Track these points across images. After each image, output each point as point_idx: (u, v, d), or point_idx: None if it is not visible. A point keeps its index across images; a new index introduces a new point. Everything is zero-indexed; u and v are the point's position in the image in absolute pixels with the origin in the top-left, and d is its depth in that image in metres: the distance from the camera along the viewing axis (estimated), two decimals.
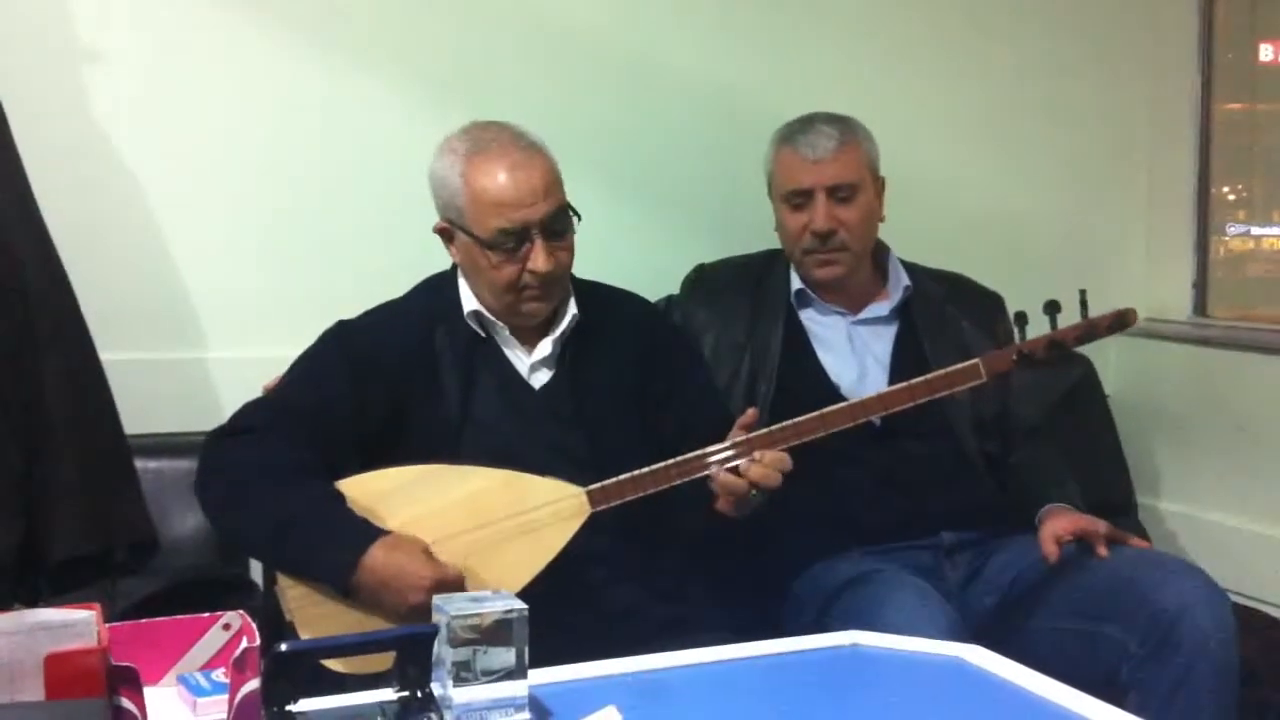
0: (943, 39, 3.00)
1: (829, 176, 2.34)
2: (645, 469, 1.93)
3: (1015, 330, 2.07)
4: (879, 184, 2.43)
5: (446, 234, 2.09)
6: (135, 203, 2.46)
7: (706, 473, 1.92)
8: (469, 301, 2.09)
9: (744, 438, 1.93)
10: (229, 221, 2.53)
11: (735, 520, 1.94)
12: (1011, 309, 2.22)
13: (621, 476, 1.93)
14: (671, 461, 1.94)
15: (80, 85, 2.41)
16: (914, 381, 2.07)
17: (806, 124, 2.40)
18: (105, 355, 2.16)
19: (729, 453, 1.92)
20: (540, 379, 2.09)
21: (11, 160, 2.09)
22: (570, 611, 1.76)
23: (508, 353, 2.09)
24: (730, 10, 2.83)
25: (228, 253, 2.53)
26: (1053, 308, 2.04)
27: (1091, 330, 2.09)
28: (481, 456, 1.97)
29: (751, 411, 1.95)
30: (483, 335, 2.09)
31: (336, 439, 1.99)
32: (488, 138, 2.03)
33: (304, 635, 1.88)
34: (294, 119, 2.55)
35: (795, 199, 2.37)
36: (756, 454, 1.90)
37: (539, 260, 1.99)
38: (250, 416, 2.03)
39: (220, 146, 2.51)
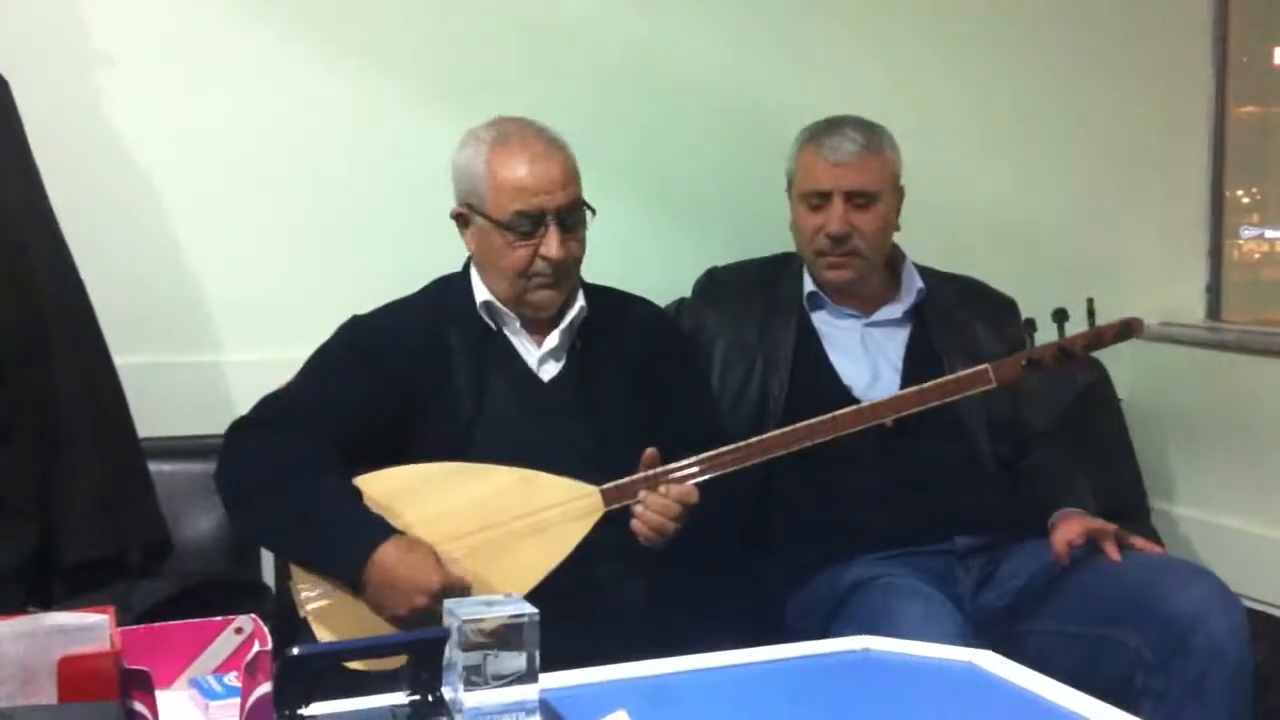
0: (955, 44, 2.99)
1: (848, 181, 2.33)
2: (659, 469, 1.96)
3: (1026, 336, 2.08)
4: (899, 194, 2.41)
5: (462, 219, 2.11)
6: (149, 206, 2.47)
7: (707, 477, 1.95)
8: (480, 293, 2.11)
9: (736, 447, 1.98)
10: (242, 225, 2.53)
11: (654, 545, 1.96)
12: (1027, 312, 2.23)
13: (635, 476, 1.96)
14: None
15: (93, 88, 2.41)
16: (924, 386, 2.10)
17: (833, 126, 2.39)
18: (119, 358, 2.17)
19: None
20: (549, 372, 2.12)
21: (26, 163, 2.10)
22: (579, 606, 1.77)
23: (517, 345, 2.11)
24: (747, 14, 2.83)
25: (241, 256, 2.53)
26: (1060, 316, 2.07)
27: (1098, 338, 2.12)
28: (492, 450, 2.00)
29: (650, 451, 1.96)
30: (493, 328, 2.11)
31: (351, 432, 2.01)
32: (512, 129, 2.09)
33: (317, 631, 1.90)
34: (307, 122, 2.55)
35: (813, 199, 2.37)
36: (662, 488, 1.93)
37: (552, 246, 2.02)
38: (269, 409, 2.06)
39: (232, 150, 2.51)
